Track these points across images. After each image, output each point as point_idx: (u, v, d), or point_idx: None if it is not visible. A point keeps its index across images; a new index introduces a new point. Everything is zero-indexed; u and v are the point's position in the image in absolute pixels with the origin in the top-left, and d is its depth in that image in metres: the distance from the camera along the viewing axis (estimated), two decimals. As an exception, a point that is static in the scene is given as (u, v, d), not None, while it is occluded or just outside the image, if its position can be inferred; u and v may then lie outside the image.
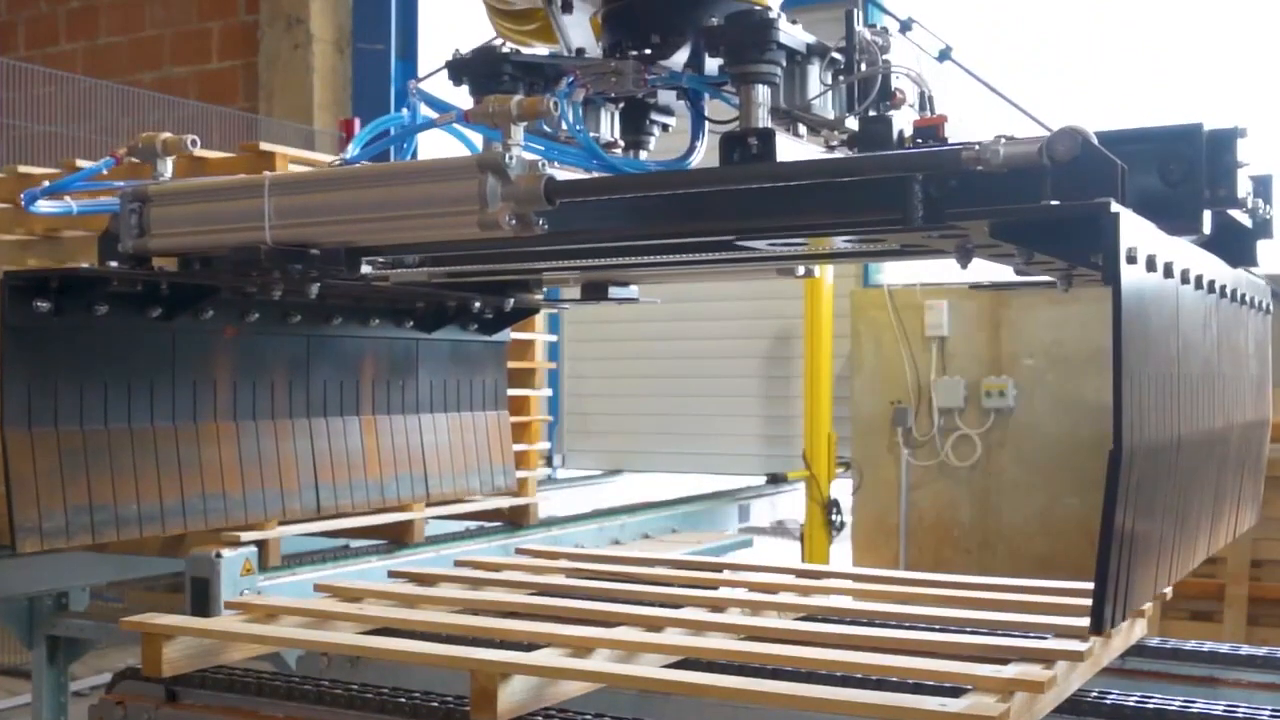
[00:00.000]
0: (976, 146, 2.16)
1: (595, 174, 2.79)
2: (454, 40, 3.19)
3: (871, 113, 2.75)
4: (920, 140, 2.60)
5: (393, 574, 3.73)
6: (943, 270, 7.16)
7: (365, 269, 2.86)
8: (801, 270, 3.33)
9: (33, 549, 2.96)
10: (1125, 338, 2.02)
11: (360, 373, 3.72)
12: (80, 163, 5.82)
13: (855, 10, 2.80)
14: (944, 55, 2.90)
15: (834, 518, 8.08)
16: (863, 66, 2.77)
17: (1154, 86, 9.74)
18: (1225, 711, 2.60)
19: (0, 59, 9.28)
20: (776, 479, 8.51)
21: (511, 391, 4.38)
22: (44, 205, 3.08)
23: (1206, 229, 2.37)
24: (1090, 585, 3.33)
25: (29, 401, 2.90)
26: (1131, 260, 2.04)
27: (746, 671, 2.65)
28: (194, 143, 2.98)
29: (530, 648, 2.77)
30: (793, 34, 2.65)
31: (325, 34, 11.27)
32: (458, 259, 3.11)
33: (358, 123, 12.28)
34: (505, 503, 4.63)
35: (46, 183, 3.14)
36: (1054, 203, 2.14)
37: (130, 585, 4.73)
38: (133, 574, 4.35)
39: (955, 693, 2.43)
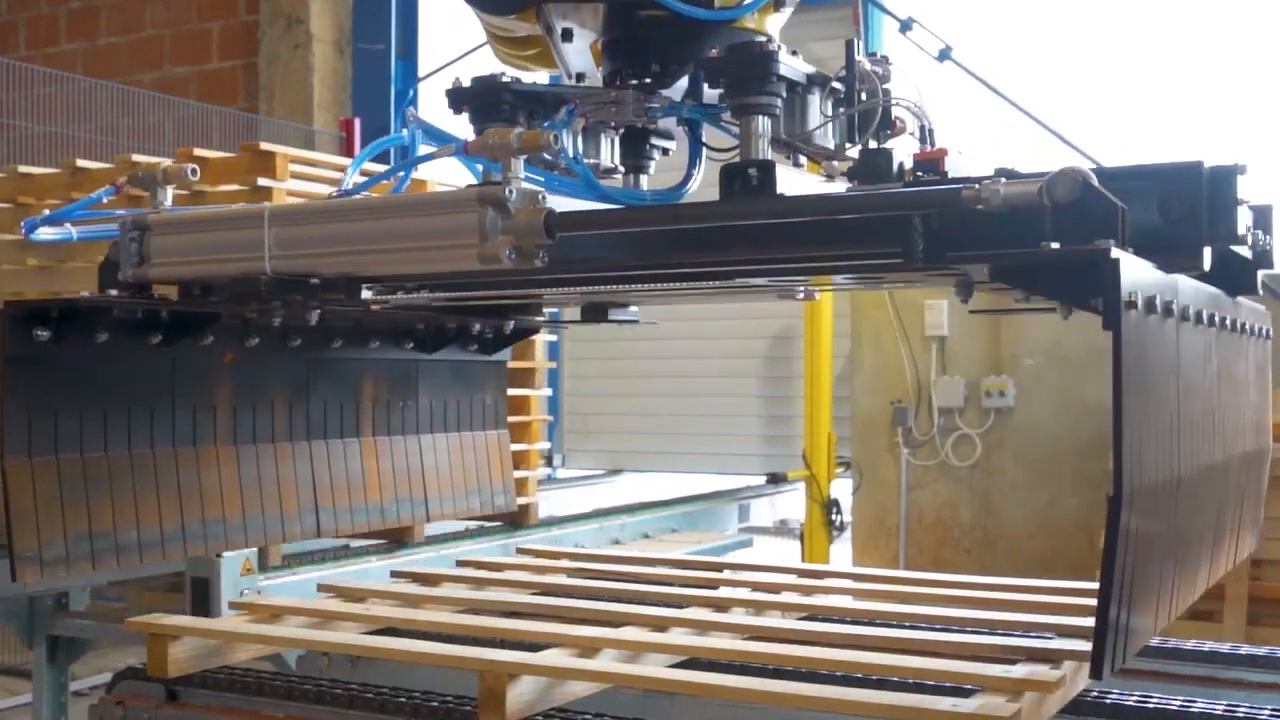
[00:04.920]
0: (977, 185, 2.15)
1: (594, 205, 2.79)
2: (454, 39, 3.18)
3: (872, 143, 2.74)
4: (920, 174, 2.58)
5: (395, 574, 3.74)
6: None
7: (365, 294, 2.87)
8: (801, 294, 3.33)
9: (33, 578, 2.94)
10: (1125, 386, 1.99)
11: (360, 394, 3.72)
12: (81, 162, 5.82)
13: (855, 41, 2.79)
14: (944, 55, 2.90)
15: (834, 518, 8.09)
16: (863, 96, 2.75)
17: (1154, 86, 9.75)
18: (1225, 711, 2.60)
19: (0, 59, 9.27)
20: (776, 479, 8.52)
21: (511, 391, 4.38)
22: (44, 233, 3.10)
23: (1206, 265, 2.35)
24: (1090, 585, 3.35)
25: (29, 430, 2.89)
26: (1131, 306, 2.01)
27: (752, 671, 2.65)
28: (194, 172, 2.99)
29: (535, 648, 2.77)
30: (793, 65, 2.65)
31: (325, 34, 11.26)
32: (458, 285, 3.12)
33: (358, 123, 12.24)
34: (506, 502, 4.62)
35: (46, 211, 3.14)
36: (1054, 246, 2.11)
37: (130, 585, 4.73)
38: (133, 574, 4.35)
39: (959, 692, 2.43)
